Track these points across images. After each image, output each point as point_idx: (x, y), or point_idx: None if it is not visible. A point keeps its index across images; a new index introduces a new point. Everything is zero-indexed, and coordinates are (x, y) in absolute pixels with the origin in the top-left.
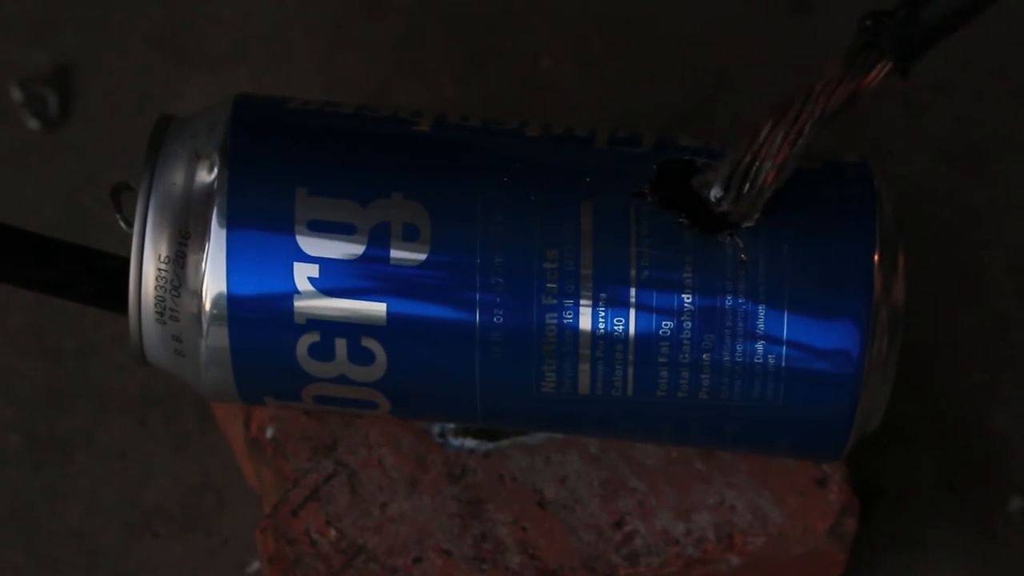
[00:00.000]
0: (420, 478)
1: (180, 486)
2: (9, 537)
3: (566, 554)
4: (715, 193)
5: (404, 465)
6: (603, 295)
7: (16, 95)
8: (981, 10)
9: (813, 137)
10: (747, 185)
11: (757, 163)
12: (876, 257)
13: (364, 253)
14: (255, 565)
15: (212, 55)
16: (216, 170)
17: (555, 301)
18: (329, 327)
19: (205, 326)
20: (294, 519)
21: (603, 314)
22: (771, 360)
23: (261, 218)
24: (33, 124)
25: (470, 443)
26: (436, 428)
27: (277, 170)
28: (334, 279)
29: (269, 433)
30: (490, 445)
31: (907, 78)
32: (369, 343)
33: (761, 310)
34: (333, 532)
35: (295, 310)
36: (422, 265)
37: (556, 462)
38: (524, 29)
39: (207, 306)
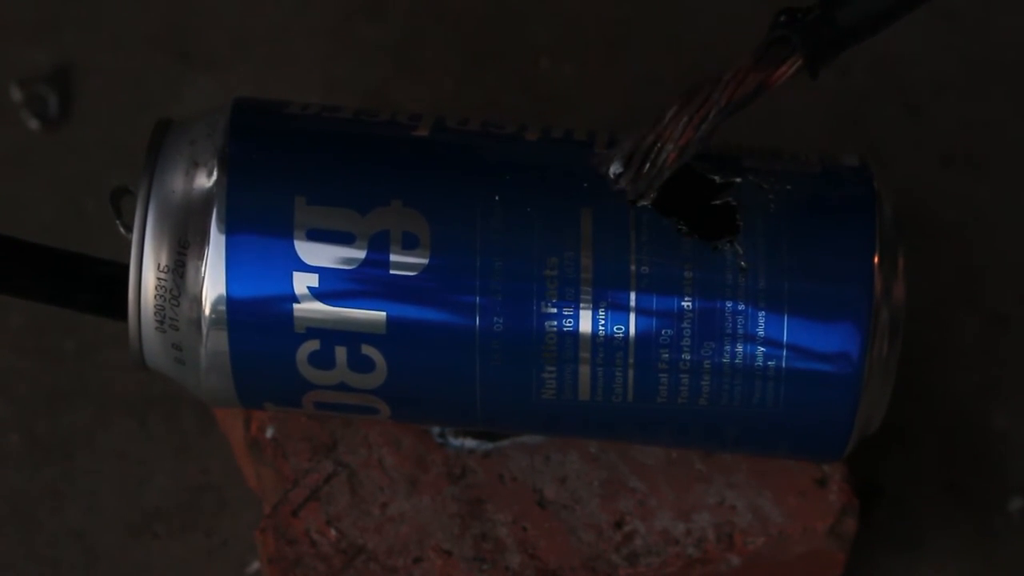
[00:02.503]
0: (420, 478)
1: (180, 486)
2: (9, 537)
3: (566, 554)
4: (614, 170)
5: (404, 465)
6: (603, 302)
7: (16, 95)
8: (896, 18)
9: (717, 124)
10: (647, 164)
11: (659, 144)
12: (876, 259)
13: (363, 262)
14: (255, 565)
15: (212, 55)
16: (215, 176)
17: (555, 308)
18: (329, 335)
19: (205, 331)
20: (294, 519)
21: (603, 321)
22: (771, 364)
23: (260, 226)
24: (33, 124)
25: (470, 443)
26: (436, 428)
27: (276, 178)
28: (333, 288)
29: (269, 433)
30: (490, 445)
31: (816, 78)
32: (369, 351)
33: (761, 315)
34: (333, 532)
35: (295, 318)
36: (421, 273)
37: (556, 462)
38: (524, 29)
39: (206, 311)
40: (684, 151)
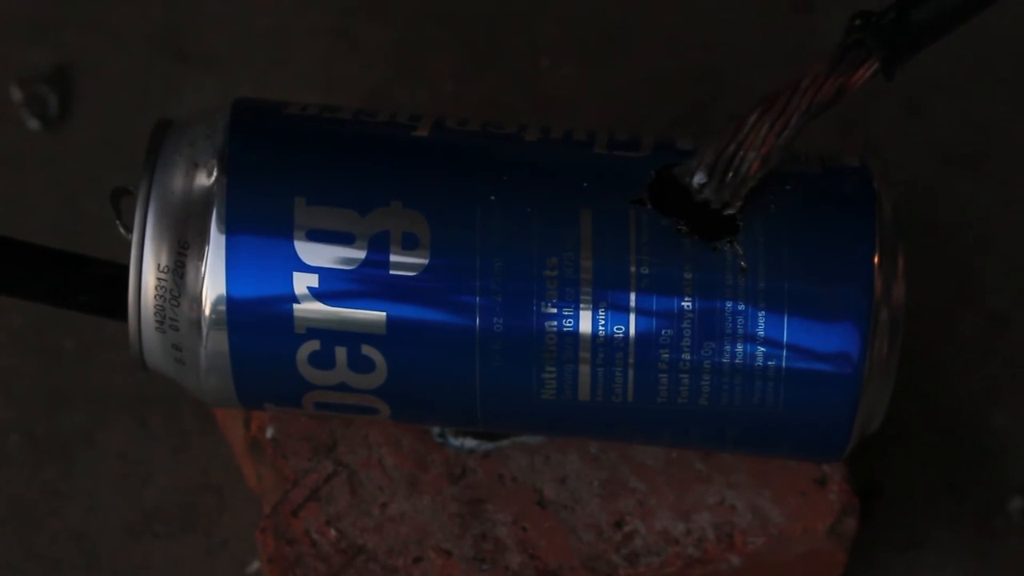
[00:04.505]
0: (420, 478)
1: (180, 486)
2: (9, 537)
3: (566, 554)
4: (698, 180)
5: (404, 465)
6: (603, 302)
7: (16, 95)
8: (970, 16)
9: (798, 129)
10: (730, 173)
11: (742, 152)
12: (876, 258)
13: (363, 262)
14: (255, 565)
15: (212, 55)
16: (215, 176)
17: (555, 309)
18: (329, 336)
19: (205, 331)
20: (294, 519)
21: (603, 321)
22: (771, 364)
23: (260, 226)
24: (33, 124)
25: (470, 443)
26: (436, 428)
27: (276, 179)
28: (333, 288)
29: (269, 433)
30: (490, 445)
31: (892, 80)
32: (369, 351)
33: (761, 315)
34: (333, 532)
35: (295, 318)
36: (421, 274)
37: (556, 462)
38: (524, 29)
39: (206, 311)
40: (767, 159)
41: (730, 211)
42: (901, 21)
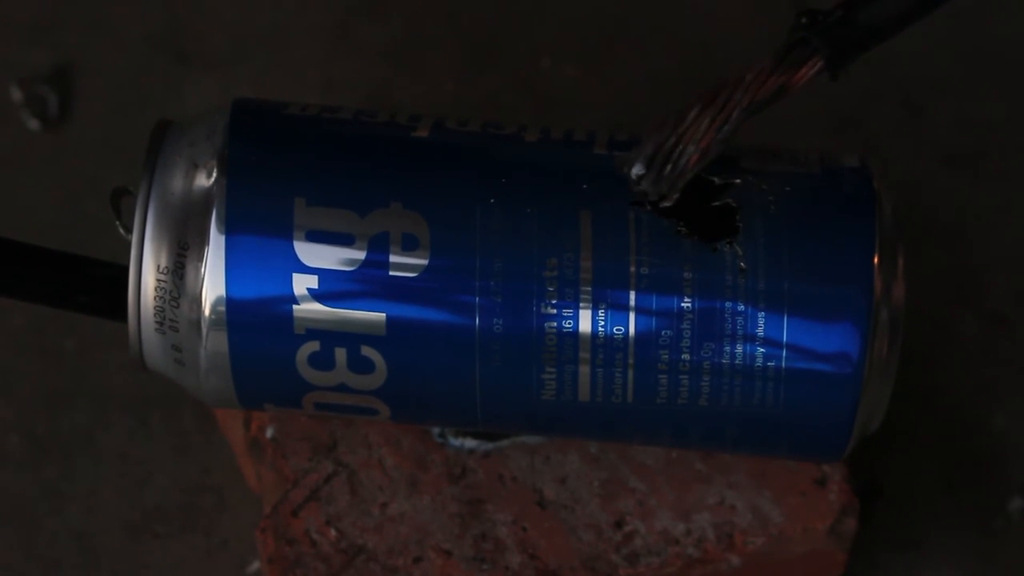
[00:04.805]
0: (420, 478)
1: (180, 486)
2: (9, 537)
3: (566, 554)
4: (636, 171)
5: (404, 465)
6: (603, 303)
7: (16, 95)
8: (916, 19)
9: (738, 125)
10: (669, 166)
11: (681, 146)
12: (876, 258)
13: (363, 263)
14: (255, 565)
15: (212, 55)
16: (215, 177)
17: (555, 309)
18: (329, 336)
19: (204, 332)
20: (294, 519)
21: (603, 322)
22: (771, 364)
23: (260, 227)
24: (33, 124)
25: (470, 443)
26: (436, 428)
27: (276, 180)
28: (333, 289)
29: (269, 433)
30: (490, 445)
31: (836, 80)
32: (369, 352)
33: (761, 315)
34: (333, 532)
35: (294, 319)
36: (421, 275)
37: (556, 462)
38: (524, 29)
39: (206, 311)
40: (706, 153)
41: (666, 204)
42: (847, 21)
